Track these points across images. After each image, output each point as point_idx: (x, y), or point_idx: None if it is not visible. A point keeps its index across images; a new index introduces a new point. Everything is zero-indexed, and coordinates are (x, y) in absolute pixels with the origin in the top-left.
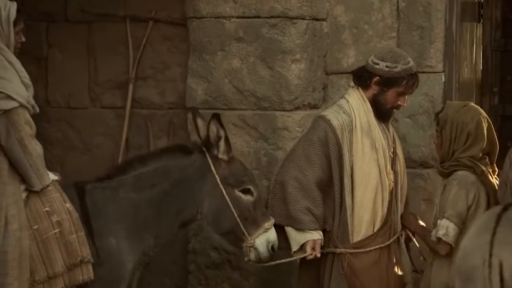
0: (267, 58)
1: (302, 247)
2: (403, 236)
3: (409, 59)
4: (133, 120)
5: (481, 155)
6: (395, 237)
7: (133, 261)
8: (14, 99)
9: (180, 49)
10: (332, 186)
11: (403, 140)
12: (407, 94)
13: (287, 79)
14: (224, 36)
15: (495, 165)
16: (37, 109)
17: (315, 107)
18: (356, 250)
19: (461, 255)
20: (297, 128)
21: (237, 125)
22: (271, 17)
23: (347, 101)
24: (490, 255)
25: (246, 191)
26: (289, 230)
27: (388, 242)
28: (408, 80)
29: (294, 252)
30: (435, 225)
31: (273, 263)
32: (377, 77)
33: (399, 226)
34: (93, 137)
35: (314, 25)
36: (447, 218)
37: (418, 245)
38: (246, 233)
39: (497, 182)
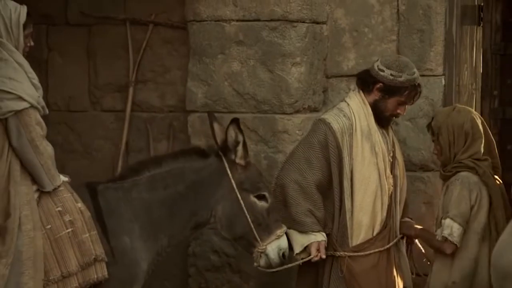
0: (267, 61)
1: (306, 249)
2: (405, 241)
3: (415, 70)
4: (133, 123)
5: (482, 152)
6: (394, 241)
7: (147, 261)
8: (25, 100)
9: (180, 52)
10: (331, 189)
11: (403, 143)
12: (407, 104)
13: (287, 82)
14: (224, 39)
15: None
16: (47, 111)
17: (315, 110)
18: (355, 254)
19: (497, 252)
20: (297, 131)
21: None
22: (271, 20)
23: (348, 104)
24: None
25: (261, 197)
26: (292, 232)
27: (387, 246)
28: (410, 91)
29: (297, 254)
30: (438, 225)
31: (280, 268)
32: (380, 84)
33: (396, 229)
34: (93, 140)
35: (314, 28)
36: (451, 218)
37: (423, 250)
38: (258, 239)
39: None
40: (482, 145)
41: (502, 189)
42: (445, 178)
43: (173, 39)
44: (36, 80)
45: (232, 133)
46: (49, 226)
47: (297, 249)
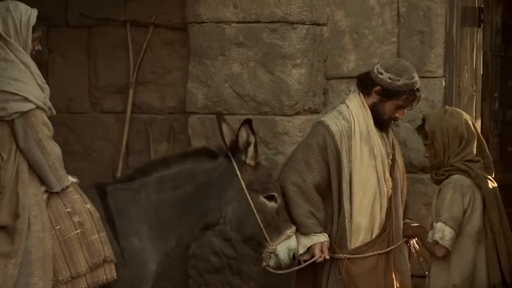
0: (268, 63)
1: (309, 250)
2: (409, 244)
3: (414, 74)
4: (133, 124)
5: (475, 153)
6: (395, 245)
7: (155, 262)
8: (30, 101)
9: (181, 54)
10: (330, 192)
11: (403, 145)
12: (406, 108)
13: (288, 84)
14: (225, 41)
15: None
16: (54, 112)
17: (315, 112)
18: (354, 256)
19: None
20: (298, 133)
21: None
22: (272, 22)
23: (347, 106)
24: None
25: (271, 198)
26: None
27: (386, 250)
28: (408, 95)
29: (300, 255)
30: (432, 228)
31: (288, 270)
32: (379, 87)
33: (400, 233)
34: (94, 141)
35: (315, 30)
36: (443, 222)
37: (417, 247)
38: (268, 239)
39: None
40: (475, 146)
41: (496, 190)
42: (438, 182)
43: (173, 41)
44: (42, 81)
45: (244, 133)
46: (58, 227)
47: (300, 250)
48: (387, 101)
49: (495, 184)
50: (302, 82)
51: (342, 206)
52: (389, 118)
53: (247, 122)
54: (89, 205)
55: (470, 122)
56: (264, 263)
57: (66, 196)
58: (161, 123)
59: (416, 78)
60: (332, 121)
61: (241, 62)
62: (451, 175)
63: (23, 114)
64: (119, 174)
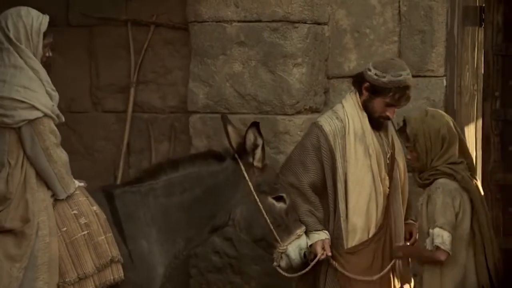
0: (269, 62)
1: (311, 249)
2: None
3: (402, 72)
4: (134, 124)
5: (457, 156)
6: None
7: (164, 264)
8: (38, 109)
9: (182, 53)
10: (326, 191)
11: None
12: (395, 106)
13: (289, 83)
14: (226, 40)
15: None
16: (62, 119)
17: (316, 111)
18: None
19: None
20: (299, 132)
21: None
22: (273, 21)
23: (343, 106)
24: None
25: (279, 199)
26: None
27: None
28: (395, 93)
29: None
30: (423, 236)
31: (296, 275)
32: (367, 83)
33: (401, 232)
34: (95, 141)
35: (316, 29)
36: (440, 227)
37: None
38: (279, 240)
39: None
40: (457, 148)
41: (480, 190)
42: (423, 186)
43: (174, 40)
44: (52, 88)
45: (251, 136)
46: (64, 229)
47: None
48: (375, 98)
49: (479, 184)
50: (303, 81)
51: (337, 206)
52: (380, 116)
53: (255, 125)
54: (95, 207)
55: (451, 124)
56: (275, 263)
57: (72, 199)
58: (162, 122)
59: (404, 76)
60: (326, 121)
61: (242, 61)
62: (436, 179)
63: (31, 122)
64: (120, 173)
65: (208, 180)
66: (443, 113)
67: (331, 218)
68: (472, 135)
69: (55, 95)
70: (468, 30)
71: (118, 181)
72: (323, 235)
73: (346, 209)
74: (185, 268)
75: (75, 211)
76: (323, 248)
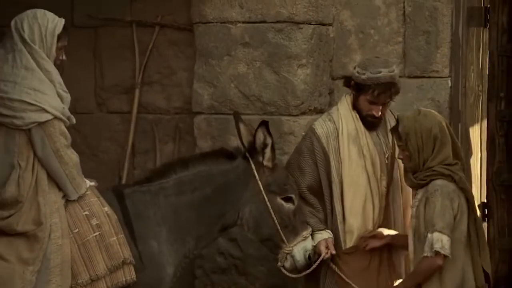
0: (273, 63)
1: (315, 248)
2: None
3: (382, 69)
4: (139, 125)
5: (452, 157)
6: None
7: (173, 264)
8: (48, 112)
9: (186, 54)
10: (323, 193)
11: None
12: (378, 104)
13: (293, 84)
14: (230, 41)
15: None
16: (73, 120)
17: (321, 112)
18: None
19: None
20: (303, 133)
21: None
22: (277, 22)
23: (337, 108)
24: None
25: (288, 199)
26: None
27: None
28: (374, 90)
29: None
30: (419, 239)
31: (300, 275)
32: (352, 82)
33: (400, 231)
34: (99, 142)
35: (320, 30)
36: (439, 231)
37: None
38: (285, 240)
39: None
40: (451, 149)
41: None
42: (418, 186)
43: (179, 41)
44: (63, 90)
45: (261, 135)
46: (76, 230)
47: None
48: (358, 95)
49: (472, 188)
50: (307, 82)
51: (334, 208)
52: (367, 115)
53: (264, 124)
54: (106, 208)
55: (444, 124)
56: (279, 264)
57: (83, 199)
58: (167, 123)
59: (384, 73)
60: (319, 124)
61: (247, 62)
62: (433, 180)
63: (41, 124)
64: (124, 174)
65: (218, 178)
66: (436, 113)
67: (328, 220)
68: (477, 136)
69: (67, 96)
70: (473, 31)
71: (123, 182)
72: (326, 234)
73: (343, 210)
74: (190, 269)
75: (86, 212)
76: (327, 247)
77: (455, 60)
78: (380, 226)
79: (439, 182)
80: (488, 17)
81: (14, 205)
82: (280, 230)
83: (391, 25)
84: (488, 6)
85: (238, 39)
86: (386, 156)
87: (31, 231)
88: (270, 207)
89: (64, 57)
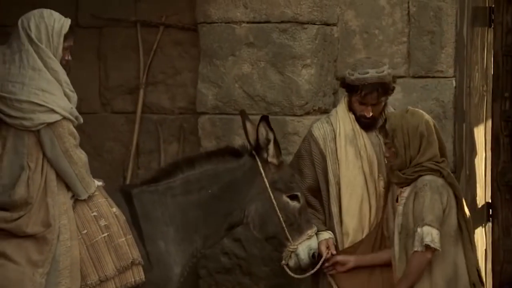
0: (278, 63)
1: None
2: None
3: (369, 70)
4: (143, 125)
5: (439, 156)
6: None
7: (181, 264)
8: (56, 112)
9: (191, 54)
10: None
11: None
12: (366, 104)
13: (298, 84)
14: (235, 41)
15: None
16: (81, 120)
17: (325, 112)
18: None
19: None
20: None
21: None
22: (282, 22)
23: (336, 110)
24: None
25: (294, 197)
26: None
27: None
28: (361, 90)
29: None
30: (406, 234)
31: (304, 276)
32: (345, 83)
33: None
34: (104, 142)
35: (325, 30)
36: (429, 225)
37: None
38: (290, 239)
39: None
40: (438, 148)
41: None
42: (405, 183)
43: (183, 41)
44: (70, 90)
45: (262, 131)
46: (85, 231)
47: None
48: (350, 96)
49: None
50: (312, 82)
51: (331, 209)
52: (360, 115)
53: (264, 119)
54: (115, 209)
55: (431, 124)
56: (283, 262)
57: (92, 200)
58: (172, 123)
59: (371, 73)
60: (317, 126)
61: (251, 62)
62: (421, 175)
63: (50, 124)
64: (129, 174)
65: (225, 177)
66: (424, 113)
67: (326, 220)
68: (481, 136)
69: (73, 96)
70: (478, 31)
71: (127, 182)
72: (327, 235)
73: (340, 212)
74: (194, 269)
75: (95, 213)
76: (328, 247)
77: (459, 60)
78: (376, 226)
79: (427, 177)
80: (492, 17)
81: (23, 206)
82: (285, 228)
83: (396, 25)
84: (493, 6)
85: (242, 39)
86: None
87: (40, 233)
88: (275, 205)
89: (69, 57)
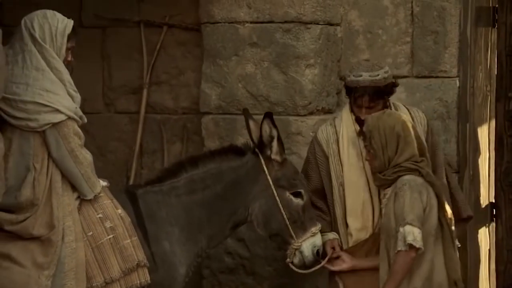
0: (281, 63)
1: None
2: None
3: (363, 73)
4: (147, 125)
5: (418, 156)
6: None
7: (186, 264)
8: (61, 112)
9: (194, 54)
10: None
11: None
12: (360, 107)
13: (301, 84)
14: (238, 41)
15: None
16: (85, 119)
17: (329, 112)
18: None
19: None
20: (311, 133)
21: None
22: (285, 22)
23: (341, 112)
24: None
25: (297, 194)
26: None
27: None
28: (354, 93)
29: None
30: (389, 235)
31: (308, 271)
32: (344, 84)
33: None
34: (107, 142)
35: (328, 30)
36: (410, 224)
37: None
38: (294, 236)
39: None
40: (416, 148)
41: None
42: (386, 184)
43: (187, 41)
44: (74, 90)
45: (266, 128)
46: (90, 233)
47: None
48: (349, 98)
49: None
50: (315, 82)
51: (335, 210)
52: (357, 117)
53: (268, 116)
54: (120, 210)
55: (409, 124)
56: (288, 260)
57: (97, 202)
58: (175, 123)
59: (364, 77)
60: (320, 129)
61: (254, 62)
62: (400, 176)
63: (55, 125)
64: (132, 174)
65: (229, 175)
66: (402, 114)
67: (332, 222)
68: (485, 136)
69: (77, 96)
70: (481, 31)
71: (131, 182)
72: (331, 235)
73: (344, 213)
74: (198, 269)
75: (100, 215)
76: (333, 248)
77: (463, 60)
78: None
79: (406, 177)
80: (496, 17)
81: (29, 208)
82: (289, 225)
83: (399, 25)
84: (496, 6)
85: (246, 39)
86: None
87: (44, 235)
88: (279, 202)
89: (72, 58)
